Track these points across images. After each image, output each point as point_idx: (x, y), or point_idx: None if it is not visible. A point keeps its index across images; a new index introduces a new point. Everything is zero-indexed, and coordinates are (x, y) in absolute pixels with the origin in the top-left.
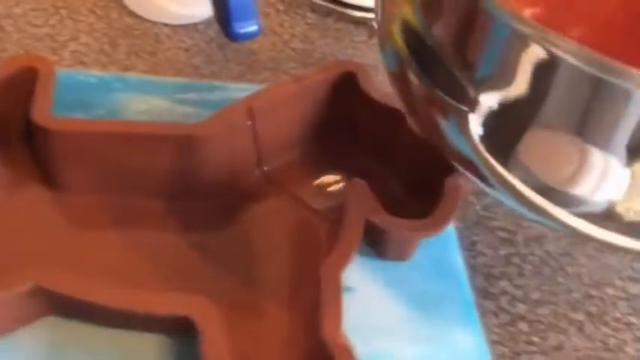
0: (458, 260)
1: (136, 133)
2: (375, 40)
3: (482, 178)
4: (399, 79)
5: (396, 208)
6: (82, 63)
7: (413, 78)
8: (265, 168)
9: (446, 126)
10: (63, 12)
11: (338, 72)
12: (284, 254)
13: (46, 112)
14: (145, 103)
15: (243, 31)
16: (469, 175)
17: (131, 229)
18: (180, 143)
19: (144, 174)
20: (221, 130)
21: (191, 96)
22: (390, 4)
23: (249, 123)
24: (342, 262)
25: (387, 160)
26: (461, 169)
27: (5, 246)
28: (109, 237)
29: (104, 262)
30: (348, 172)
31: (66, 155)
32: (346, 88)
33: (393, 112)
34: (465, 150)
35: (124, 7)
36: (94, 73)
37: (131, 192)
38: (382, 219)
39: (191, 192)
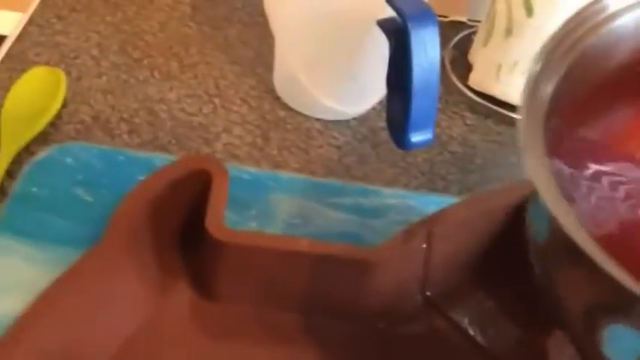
0: None
1: (310, 253)
2: None
3: None
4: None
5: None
6: (235, 157)
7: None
8: (428, 293)
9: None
10: (216, 100)
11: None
12: None
13: (221, 222)
14: (298, 205)
15: (417, 140)
16: None
17: (279, 345)
18: (353, 268)
19: (303, 292)
20: (396, 254)
21: (345, 200)
22: None
23: (425, 247)
24: None
25: None
26: None
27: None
28: (254, 352)
29: None
30: (520, 299)
31: (230, 266)
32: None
33: None
34: None
35: (277, 98)
36: (248, 170)
37: (284, 307)
38: None
39: (347, 313)
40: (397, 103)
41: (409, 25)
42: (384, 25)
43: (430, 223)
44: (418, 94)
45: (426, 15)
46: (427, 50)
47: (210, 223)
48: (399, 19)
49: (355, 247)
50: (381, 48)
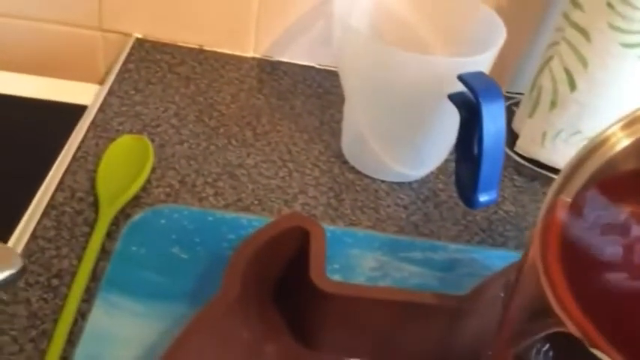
0: None
1: (405, 301)
2: None
3: None
4: None
5: None
6: (313, 216)
7: None
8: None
9: None
10: (290, 165)
11: None
12: None
13: (323, 274)
14: (375, 259)
15: (484, 199)
16: None
17: None
18: (444, 314)
19: (397, 339)
20: (482, 303)
21: (416, 254)
22: None
23: (502, 295)
24: None
25: None
26: None
27: None
28: None
29: None
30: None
31: (332, 316)
32: None
33: None
34: None
35: (345, 162)
36: (327, 227)
37: (375, 355)
38: None
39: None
40: (466, 167)
41: (481, 99)
42: (455, 98)
43: (506, 273)
44: (487, 159)
45: (494, 90)
46: (496, 121)
47: (315, 276)
48: (469, 93)
49: (447, 295)
50: (444, 118)
